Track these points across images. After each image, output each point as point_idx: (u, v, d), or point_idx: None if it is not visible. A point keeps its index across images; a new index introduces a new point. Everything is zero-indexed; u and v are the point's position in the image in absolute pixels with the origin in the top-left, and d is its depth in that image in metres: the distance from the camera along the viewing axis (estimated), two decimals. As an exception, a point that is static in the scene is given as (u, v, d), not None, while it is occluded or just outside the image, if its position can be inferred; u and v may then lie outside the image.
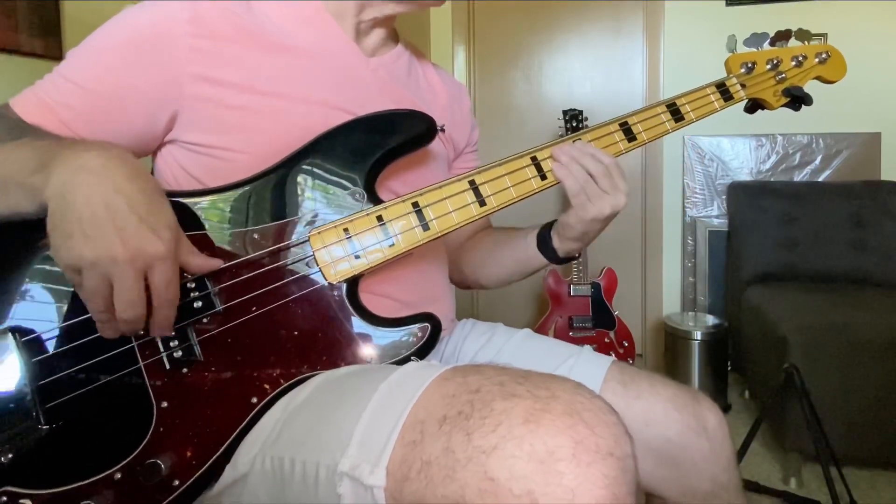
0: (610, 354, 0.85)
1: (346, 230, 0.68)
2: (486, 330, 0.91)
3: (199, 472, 0.61)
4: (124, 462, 0.59)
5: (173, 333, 0.61)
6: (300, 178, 0.69)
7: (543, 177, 0.77)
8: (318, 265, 0.67)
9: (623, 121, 0.81)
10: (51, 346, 0.60)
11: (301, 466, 0.56)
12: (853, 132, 2.51)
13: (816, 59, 0.89)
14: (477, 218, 0.74)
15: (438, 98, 0.90)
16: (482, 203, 0.74)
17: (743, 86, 0.87)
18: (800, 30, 0.89)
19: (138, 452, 0.60)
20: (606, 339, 2.41)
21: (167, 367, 0.62)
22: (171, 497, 0.59)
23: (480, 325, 0.93)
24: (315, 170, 0.69)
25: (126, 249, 0.52)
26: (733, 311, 2.41)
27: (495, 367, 0.54)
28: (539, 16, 2.85)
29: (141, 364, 0.61)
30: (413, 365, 0.60)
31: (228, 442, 0.62)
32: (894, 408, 1.66)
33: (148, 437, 0.60)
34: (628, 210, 2.78)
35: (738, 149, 2.60)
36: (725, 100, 0.86)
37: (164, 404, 0.61)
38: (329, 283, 0.67)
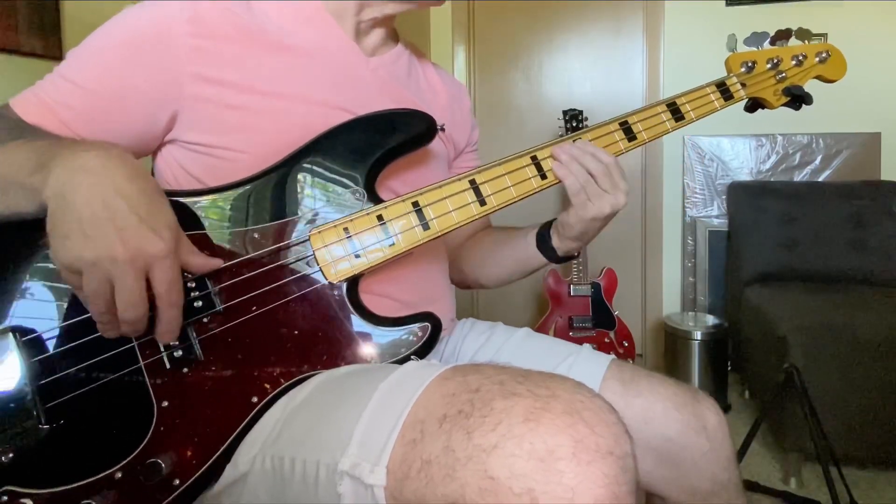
0: (610, 354, 0.85)
1: (346, 229, 0.68)
2: (486, 329, 0.91)
3: (200, 471, 0.61)
4: (125, 461, 0.59)
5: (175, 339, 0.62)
6: (300, 178, 0.69)
7: (543, 176, 0.77)
8: (318, 264, 0.67)
9: (623, 120, 0.81)
10: (51, 346, 0.60)
11: (301, 466, 0.56)
12: (853, 132, 2.51)
13: (817, 59, 0.89)
14: (477, 217, 0.74)
15: (438, 98, 0.91)
16: (482, 202, 0.74)
17: (743, 85, 0.87)
18: (800, 29, 0.89)
19: (139, 452, 0.60)
20: (606, 339, 2.41)
21: (167, 366, 0.62)
22: (171, 496, 0.59)
23: (480, 324, 0.93)
24: (315, 169, 0.69)
25: (126, 249, 0.52)
26: (733, 311, 2.41)
27: (495, 366, 0.54)
28: (539, 16, 2.85)
29: (141, 363, 0.61)
30: (413, 364, 0.60)
31: (229, 441, 0.62)
32: (894, 408, 1.66)
33: (148, 436, 0.60)
34: (628, 210, 2.77)
35: (738, 149, 2.60)
36: (726, 99, 0.86)
37: (165, 404, 0.61)
38: (329, 283, 0.67)
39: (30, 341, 0.59)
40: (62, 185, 0.52)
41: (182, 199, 0.66)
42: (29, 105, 0.68)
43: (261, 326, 0.65)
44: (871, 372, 1.68)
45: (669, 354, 2.42)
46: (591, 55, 2.83)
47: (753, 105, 0.91)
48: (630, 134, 0.81)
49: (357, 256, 0.68)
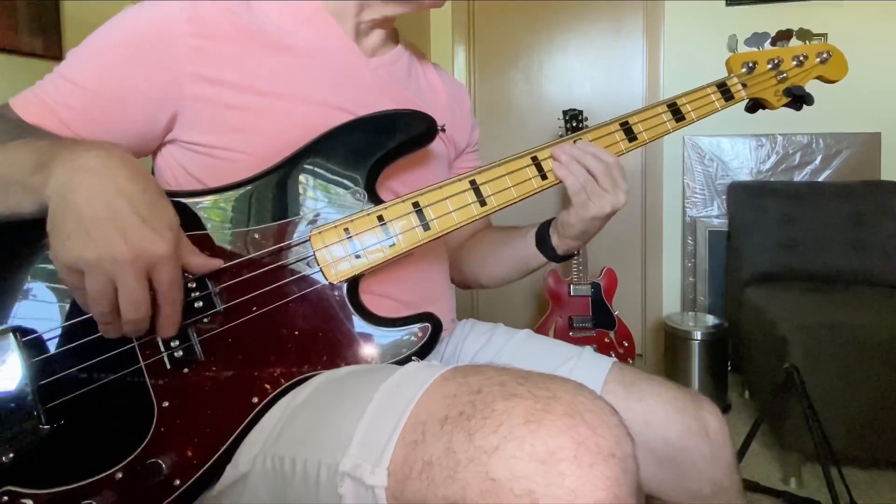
0: (610, 354, 0.85)
1: (346, 230, 0.68)
2: (487, 330, 0.91)
3: (200, 471, 0.61)
4: (125, 462, 0.59)
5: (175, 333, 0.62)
6: (301, 178, 0.69)
7: (544, 177, 0.77)
8: (318, 265, 0.67)
9: (624, 120, 0.81)
10: (52, 346, 0.60)
11: (302, 466, 0.56)
12: (853, 132, 2.51)
13: (817, 59, 0.89)
14: (477, 218, 0.74)
15: (439, 98, 0.90)
16: (483, 203, 0.74)
17: (744, 85, 0.87)
18: (801, 29, 0.89)
19: (139, 452, 0.60)
20: (606, 339, 2.41)
21: (168, 366, 0.62)
22: (172, 497, 0.59)
23: (481, 325, 0.93)
24: (316, 170, 0.69)
25: (128, 249, 0.52)
26: (733, 311, 2.41)
27: (496, 367, 0.54)
28: (539, 16, 2.85)
29: (142, 364, 0.61)
30: (414, 365, 0.60)
31: (229, 442, 0.62)
32: (894, 408, 1.66)
33: (149, 436, 0.60)
34: (628, 210, 2.77)
35: (738, 149, 2.60)
36: (726, 99, 0.86)
37: (165, 404, 0.61)
38: (330, 283, 0.67)
39: (30, 342, 0.59)
40: (63, 185, 0.52)
41: (182, 200, 0.65)
42: (29, 105, 0.68)
43: (261, 327, 0.65)
44: (871, 372, 1.68)
45: (669, 354, 2.42)
46: (591, 55, 2.83)
47: (754, 105, 0.91)
48: (630, 134, 0.81)
49: (357, 257, 0.68)
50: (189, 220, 0.64)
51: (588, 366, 0.81)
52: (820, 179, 2.53)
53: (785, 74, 0.88)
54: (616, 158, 0.77)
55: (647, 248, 2.80)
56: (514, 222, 0.95)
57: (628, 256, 2.82)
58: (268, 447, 0.60)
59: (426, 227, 0.71)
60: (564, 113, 2.39)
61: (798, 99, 0.88)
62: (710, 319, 2.40)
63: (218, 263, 0.63)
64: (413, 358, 0.68)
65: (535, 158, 0.77)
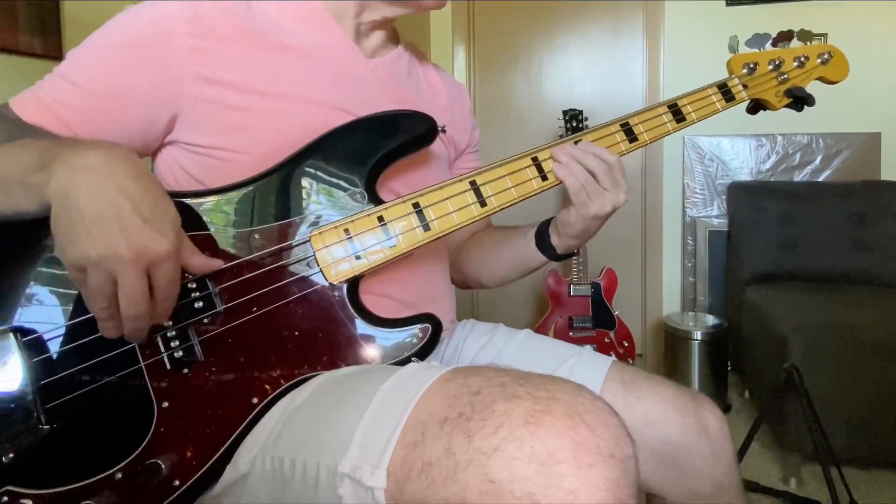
0: (610, 354, 0.85)
1: (346, 230, 0.68)
2: (487, 331, 0.91)
3: (200, 472, 0.61)
4: (125, 462, 0.59)
5: (174, 333, 0.62)
6: (301, 179, 0.69)
7: (544, 177, 0.77)
8: (318, 265, 0.67)
9: (624, 121, 0.81)
10: (52, 347, 0.60)
11: (301, 467, 0.56)
12: (853, 132, 2.51)
13: (819, 60, 0.89)
14: (478, 218, 0.74)
15: (439, 98, 0.90)
16: (483, 204, 0.74)
17: (745, 86, 0.87)
18: (802, 30, 0.89)
19: (139, 452, 0.60)
20: (606, 339, 2.41)
21: (168, 367, 0.62)
22: (171, 497, 0.59)
23: (481, 325, 0.93)
24: (316, 170, 0.69)
25: (130, 248, 0.52)
26: (733, 311, 2.41)
27: (496, 368, 0.54)
28: (539, 16, 2.85)
29: (142, 364, 0.61)
30: (414, 366, 0.60)
31: (229, 442, 0.62)
32: (894, 408, 1.66)
33: (149, 437, 0.60)
34: (628, 210, 2.76)
35: (738, 149, 2.60)
36: (727, 100, 0.86)
37: (165, 404, 0.61)
38: (330, 284, 0.67)
39: (31, 342, 0.59)
40: (65, 184, 0.52)
41: (183, 200, 0.65)
42: (28, 105, 0.68)
43: (261, 327, 0.65)
44: (871, 372, 1.68)
45: (669, 354, 2.42)
46: (591, 55, 2.83)
47: (755, 106, 0.91)
48: (631, 135, 0.81)
49: (357, 257, 0.68)
50: (190, 221, 0.64)
51: (588, 365, 0.81)
52: (820, 179, 2.53)
53: (786, 75, 0.88)
54: (617, 158, 0.77)
55: (647, 248, 2.80)
56: (515, 222, 0.95)
57: (628, 256, 2.82)
58: (267, 448, 0.60)
59: (426, 227, 0.71)
60: (564, 113, 2.39)
61: (799, 100, 0.88)
62: (710, 319, 2.40)
63: (218, 264, 0.63)
64: (413, 359, 0.68)
65: (535, 159, 0.77)
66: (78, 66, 0.68)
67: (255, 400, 0.63)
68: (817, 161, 2.54)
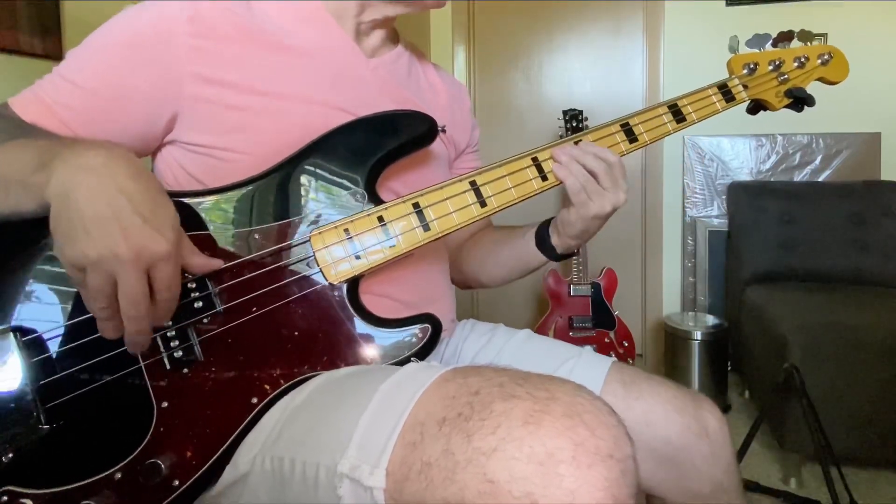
0: (610, 354, 0.85)
1: (346, 230, 0.68)
2: (487, 331, 0.91)
3: (200, 472, 0.61)
4: (125, 462, 0.59)
5: (174, 333, 0.62)
6: (301, 179, 0.69)
7: (544, 177, 0.77)
8: (318, 265, 0.67)
9: (624, 122, 0.81)
10: (52, 346, 0.60)
11: (301, 467, 0.56)
12: (853, 132, 2.51)
13: (819, 61, 0.89)
14: (478, 219, 0.74)
15: (439, 98, 0.90)
16: (483, 204, 0.74)
17: (745, 87, 0.87)
18: (802, 31, 0.89)
19: (139, 452, 0.60)
20: (606, 339, 2.41)
21: (168, 367, 0.62)
22: (171, 497, 0.59)
23: (481, 325, 0.93)
24: (316, 170, 0.69)
25: (129, 248, 0.52)
26: (733, 311, 2.41)
27: (495, 368, 0.54)
28: (539, 16, 2.85)
29: (141, 364, 0.61)
30: (413, 366, 0.60)
31: (229, 442, 0.62)
32: (894, 408, 1.66)
33: (148, 437, 0.60)
34: (628, 210, 2.76)
35: (738, 149, 2.60)
36: (727, 101, 0.86)
37: (165, 404, 0.61)
38: (330, 284, 0.67)
39: (30, 341, 0.59)
40: (65, 184, 0.52)
41: (183, 200, 0.65)
42: (28, 104, 0.68)
43: (261, 327, 0.65)
44: (871, 372, 1.68)
45: (669, 354, 2.42)
46: (591, 55, 2.83)
47: (755, 107, 0.91)
48: (631, 135, 0.81)
49: (357, 257, 0.68)
50: (189, 220, 0.64)
51: (588, 365, 0.81)
52: (820, 179, 2.53)
53: (786, 76, 0.88)
54: (618, 157, 0.77)
55: (647, 248, 2.80)
56: (515, 222, 0.95)
57: (628, 256, 2.82)
58: (267, 448, 0.60)
59: (426, 227, 0.71)
60: (564, 113, 2.39)
61: (799, 100, 0.88)
62: (710, 319, 2.40)
63: (218, 263, 0.63)
64: (413, 358, 0.68)
65: (535, 159, 0.77)
66: (78, 66, 0.68)
67: (254, 400, 0.63)
68: (817, 161, 2.54)
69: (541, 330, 2.39)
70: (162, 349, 0.62)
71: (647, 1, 2.71)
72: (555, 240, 0.85)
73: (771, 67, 0.88)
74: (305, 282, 0.67)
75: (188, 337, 0.62)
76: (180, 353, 0.62)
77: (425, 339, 0.69)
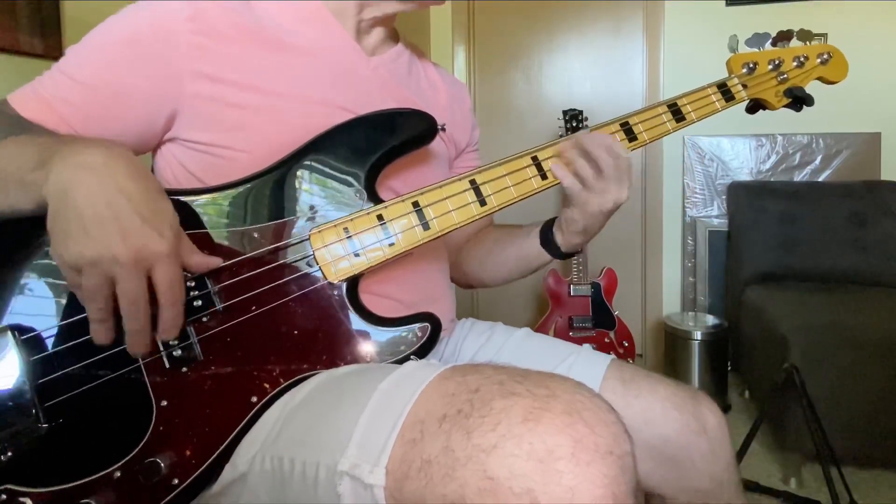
0: (610, 354, 0.85)
1: (346, 229, 0.68)
2: (486, 329, 0.91)
3: (199, 471, 0.61)
4: (124, 461, 0.59)
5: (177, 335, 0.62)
6: (301, 177, 0.69)
7: (544, 176, 0.77)
8: (318, 264, 0.67)
9: (624, 121, 0.81)
10: (50, 345, 0.60)
11: (301, 466, 0.56)
12: (853, 132, 2.51)
13: (818, 60, 0.89)
14: (477, 218, 0.73)
15: (439, 97, 0.90)
16: (483, 203, 0.73)
17: (744, 86, 0.87)
18: (801, 30, 0.89)
19: (138, 451, 0.59)
20: (606, 339, 2.41)
21: (167, 365, 0.62)
22: (170, 496, 0.59)
23: (480, 324, 0.93)
24: (316, 168, 0.69)
25: (129, 249, 0.52)
26: (733, 311, 2.41)
27: (494, 366, 0.54)
28: (539, 16, 2.85)
29: (141, 362, 0.61)
30: (412, 364, 0.60)
31: (228, 441, 0.62)
32: (894, 408, 1.66)
33: (147, 435, 0.60)
34: (628, 210, 2.76)
35: (738, 149, 2.60)
36: (727, 100, 0.86)
37: (164, 403, 0.61)
38: (329, 282, 0.67)
39: (29, 340, 0.59)
40: (63, 183, 0.52)
41: (182, 198, 0.65)
42: (28, 101, 0.68)
43: (260, 326, 0.65)
44: (871, 372, 1.68)
45: (669, 354, 2.42)
46: (591, 55, 2.83)
47: (755, 106, 0.91)
48: (631, 135, 0.81)
49: (357, 256, 0.68)
50: (189, 219, 0.64)
51: (587, 363, 0.81)
52: (820, 179, 2.53)
53: (786, 75, 0.88)
54: (627, 153, 0.76)
55: (647, 248, 2.80)
56: (514, 222, 0.95)
57: (628, 256, 2.82)
58: (267, 447, 0.60)
59: (426, 226, 0.71)
60: (564, 113, 2.39)
61: (798, 100, 0.88)
62: (710, 319, 2.40)
63: (217, 262, 0.63)
64: (412, 357, 0.68)
65: (535, 158, 0.77)
66: (78, 63, 0.68)
67: (254, 399, 0.63)
68: (817, 161, 2.54)
69: (541, 330, 2.39)
70: (161, 347, 0.61)
71: (647, 1, 2.71)
72: (559, 238, 0.85)
73: (770, 67, 0.88)
74: (305, 280, 0.67)
75: (187, 335, 0.62)
76: (179, 351, 0.62)
77: (425, 338, 0.69)
